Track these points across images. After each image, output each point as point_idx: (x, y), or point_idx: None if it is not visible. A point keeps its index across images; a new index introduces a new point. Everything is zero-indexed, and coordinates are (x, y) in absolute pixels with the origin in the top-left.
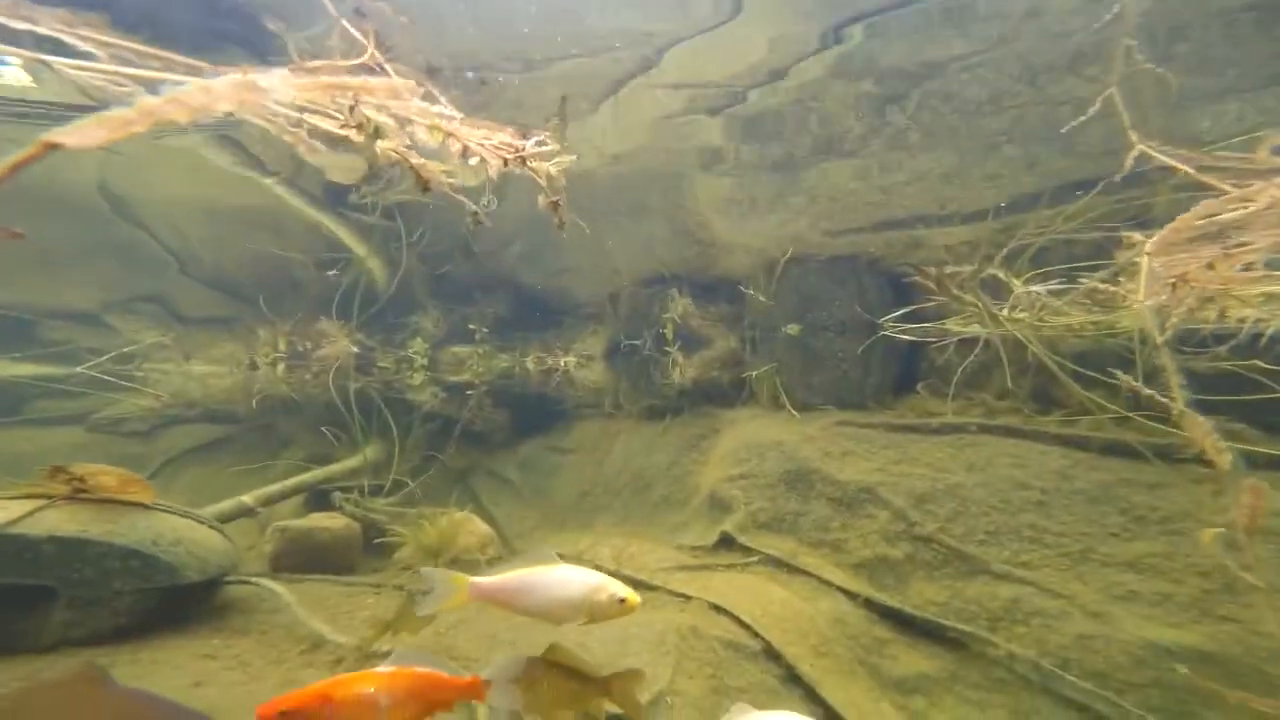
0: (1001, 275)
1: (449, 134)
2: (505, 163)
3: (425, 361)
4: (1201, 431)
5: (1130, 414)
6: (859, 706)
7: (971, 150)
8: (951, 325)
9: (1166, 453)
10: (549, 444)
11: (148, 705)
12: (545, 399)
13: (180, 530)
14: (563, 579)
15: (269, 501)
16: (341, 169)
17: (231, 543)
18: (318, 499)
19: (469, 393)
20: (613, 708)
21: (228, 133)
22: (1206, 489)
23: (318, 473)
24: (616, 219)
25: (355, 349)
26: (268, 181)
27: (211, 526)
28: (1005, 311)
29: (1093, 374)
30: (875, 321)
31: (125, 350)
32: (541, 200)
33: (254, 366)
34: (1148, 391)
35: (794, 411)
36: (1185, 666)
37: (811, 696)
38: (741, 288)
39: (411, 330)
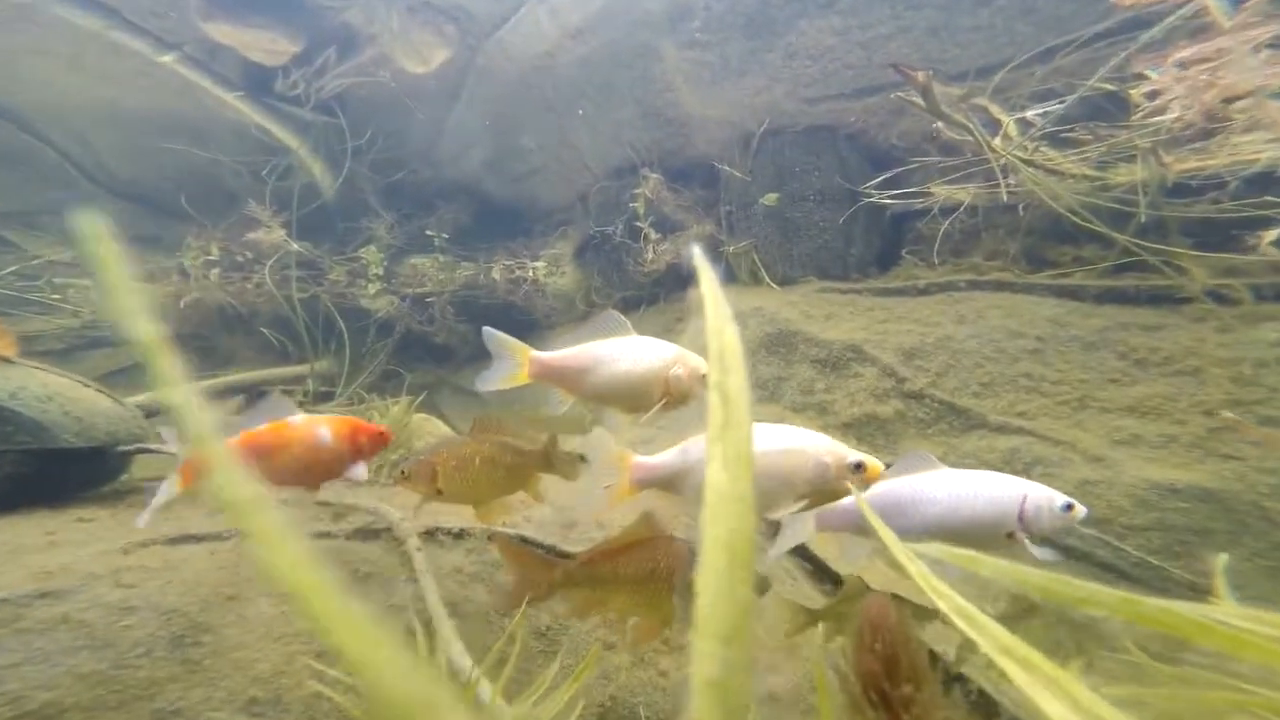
0: (994, 110)
1: None
2: None
3: (380, 271)
4: None
5: (1140, 257)
6: (850, 563)
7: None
8: (937, 189)
9: (1166, 295)
10: None
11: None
12: (513, 309)
13: (54, 387)
14: (634, 352)
15: None
16: (261, 48)
17: (127, 408)
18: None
19: (429, 300)
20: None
21: None
22: (1210, 325)
23: (256, 373)
24: (583, 108)
25: (296, 247)
26: (166, 59)
27: (100, 390)
28: (998, 142)
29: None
30: (856, 191)
31: (32, 262)
32: None
33: (183, 273)
34: None
35: (774, 285)
36: (1187, 504)
37: (800, 550)
38: (716, 165)
39: (364, 239)
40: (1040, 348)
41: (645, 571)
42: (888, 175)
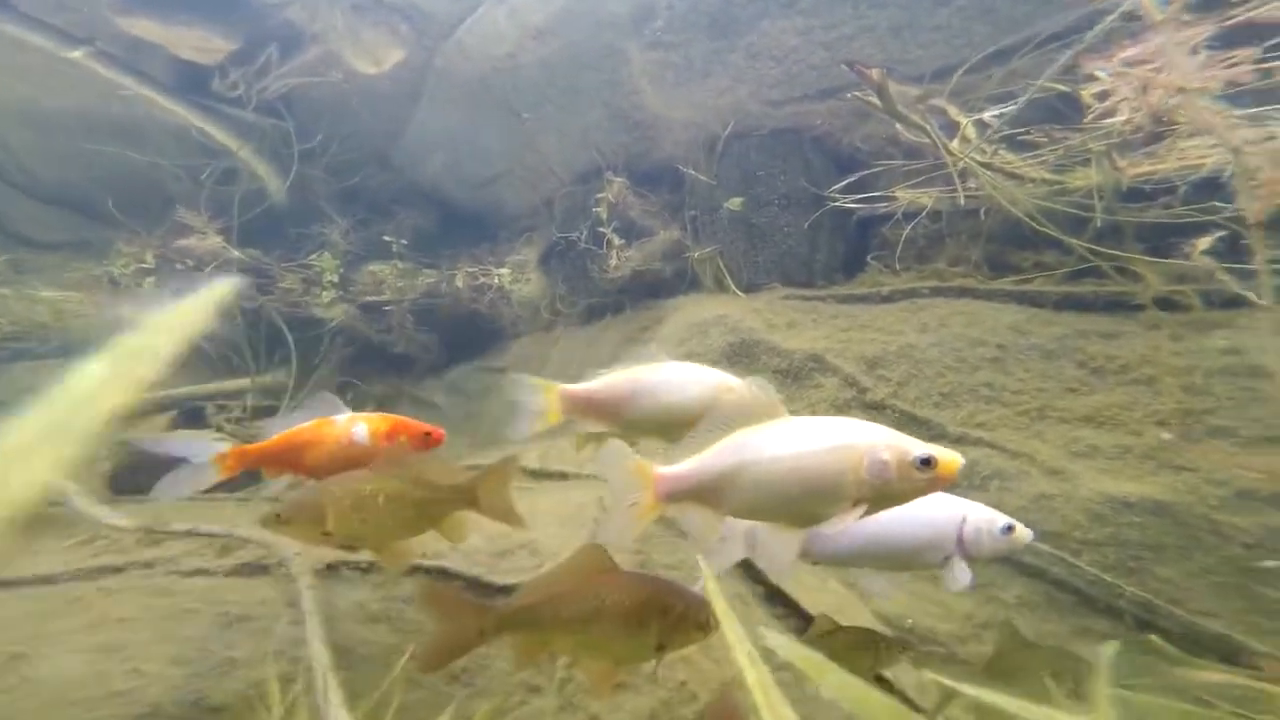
0: (952, 112)
1: None
2: None
3: (335, 279)
4: None
5: (1095, 263)
6: (803, 584)
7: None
8: (901, 193)
9: (1123, 302)
10: (482, 365)
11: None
12: (478, 317)
13: None
14: (676, 379)
15: None
16: (191, 46)
17: None
18: (193, 421)
19: (387, 308)
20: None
21: None
22: (1165, 333)
23: (184, 390)
24: (547, 111)
25: (238, 254)
26: (74, 55)
27: None
28: (955, 144)
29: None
30: (822, 195)
31: None
32: None
33: (113, 281)
34: None
35: (739, 292)
36: (1141, 518)
37: (749, 573)
38: (681, 168)
39: (318, 246)
40: (1001, 356)
41: (591, 609)
42: (851, 179)
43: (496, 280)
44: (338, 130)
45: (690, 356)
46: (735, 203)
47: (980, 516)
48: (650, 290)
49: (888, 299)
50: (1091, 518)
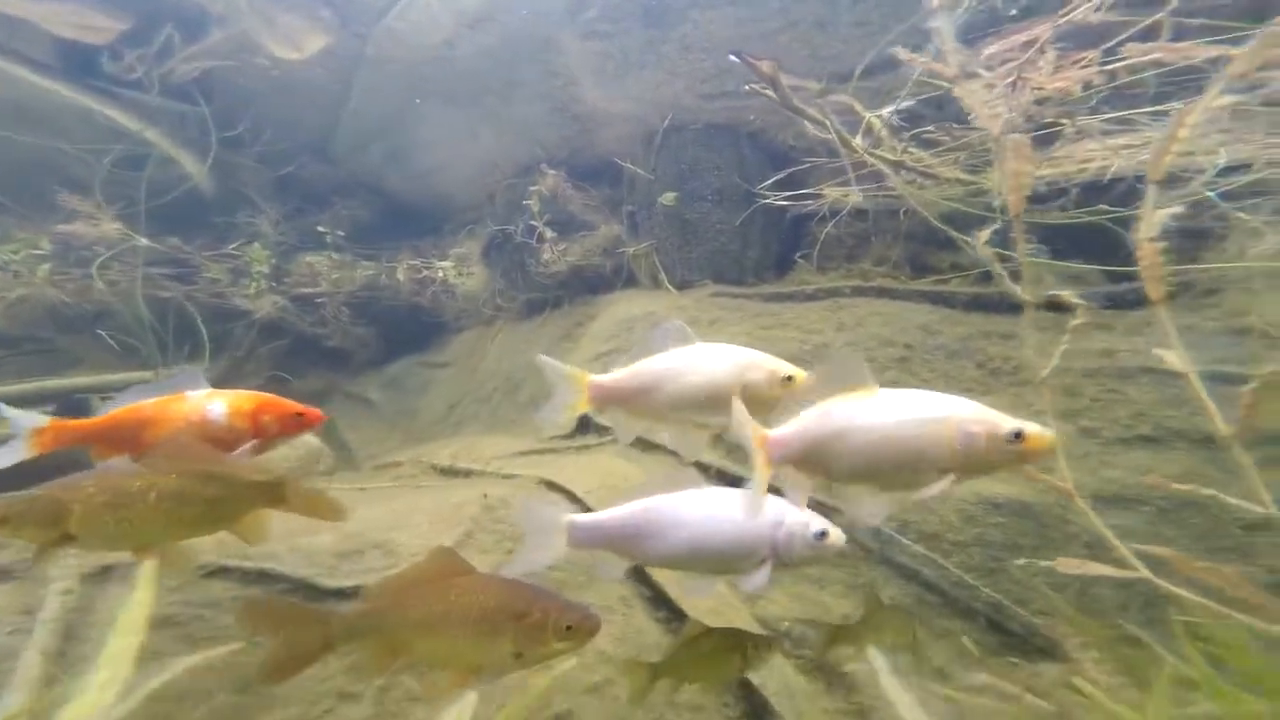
0: (857, 107)
1: None
2: None
3: (266, 269)
4: None
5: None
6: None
7: None
8: (828, 191)
9: (1020, 303)
10: (422, 360)
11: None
12: (420, 311)
13: None
14: (703, 362)
15: None
16: (68, 23)
17: None
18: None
19: (320, 301)
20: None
21: None
22: (1053, 335)
23: (69, 380)
24: (488, 103)
25: (145, 241)
26: None
27: None
28: (859, 140)
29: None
30: (754, 191)
31: None
32: None
33: (2, 268)
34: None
35: (671, 288)
36: (1005, 519)
37: (639, 576)
38: (619, 161)
39: (247, 236)
40: (908, 355)
41: (439, 614)
42: (781, 176)
43: (440, 274)
44: (268, 118)
45: (616, 352)
46: (669, 198)
47: (796, 521)
48: (589, 285)
49: (812, 298)
50: (964, 519)
